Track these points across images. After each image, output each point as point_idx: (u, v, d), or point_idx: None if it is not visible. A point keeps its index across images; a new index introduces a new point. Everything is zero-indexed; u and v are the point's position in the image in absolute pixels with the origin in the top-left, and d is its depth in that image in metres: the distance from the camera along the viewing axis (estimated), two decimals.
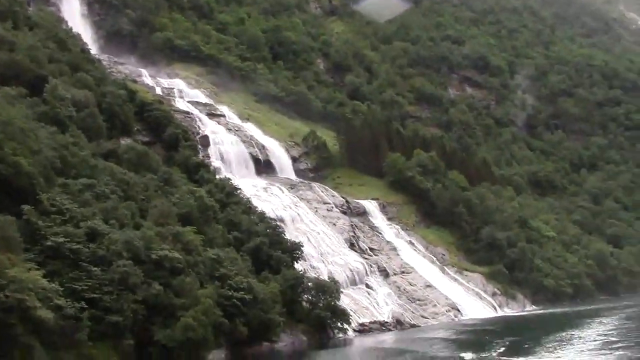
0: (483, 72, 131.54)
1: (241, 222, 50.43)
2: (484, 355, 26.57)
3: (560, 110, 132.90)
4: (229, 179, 60.34)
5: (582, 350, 23.99)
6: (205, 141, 71.85)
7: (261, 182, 71.00)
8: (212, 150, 71.49)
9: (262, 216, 54.54)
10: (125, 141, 56.15)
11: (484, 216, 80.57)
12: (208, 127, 74.89)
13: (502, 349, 28.75)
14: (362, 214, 73.66)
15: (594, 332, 33.08)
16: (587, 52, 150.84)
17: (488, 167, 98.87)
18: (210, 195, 50.66)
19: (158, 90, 77.66)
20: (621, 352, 23.40)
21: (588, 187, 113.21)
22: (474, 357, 26.11)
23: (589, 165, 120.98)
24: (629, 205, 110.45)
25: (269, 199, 64.39)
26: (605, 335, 30.89)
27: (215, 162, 68.36)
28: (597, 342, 28.27)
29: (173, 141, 61.21)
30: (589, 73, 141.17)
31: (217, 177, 60.27)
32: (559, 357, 24.06)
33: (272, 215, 57.86)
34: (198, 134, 72.02)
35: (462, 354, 27.23)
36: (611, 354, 23.41)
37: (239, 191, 57.11)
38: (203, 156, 67.25)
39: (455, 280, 68.39)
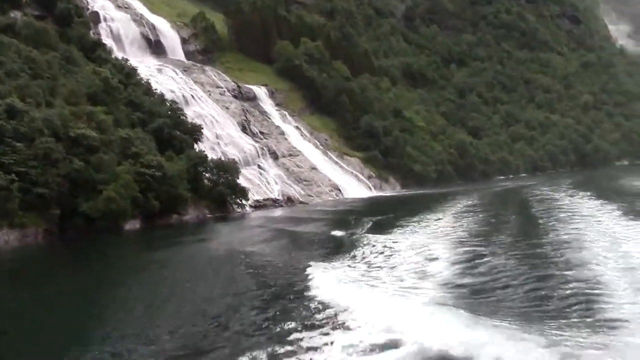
0: None
1: (143, 103, 52.25)
2: (352, 231, 28.29)
3: (436, 5, 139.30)
4: (127, 59, 60.82)
5: (437, 228, 27.20)
6: (95, 17, 70.56)
7: (154, 62, 71.60)
8: (102, 27, 70.54)
9: (161, 98, 56.44)
10: (15, 14, 54.89)
11: (363, 106, 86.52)
12: (97, 2, 73.16)
13: (369, 226, 31.07)
14: (253, 99, 76.87)
15: (450, 208, 37.20)
16: None
17: (369, 58, 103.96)
18: (111, 75, 51.63)
19: None
20: (466, 225, 27.20)
21: (455, 82, 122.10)
22: (343, 233, 27.82)
23: (458, 61, 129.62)
24: (489, 100, 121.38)
25: (163, 80, 65.65)
26: (458, 211, 34.83)
27: (106, 41, 67.73)
28: (451, 217, 31.83)
29: (65, 16, 60.11)
30: None
31: (113, 56, 60.60)
32: (416, 231, 26.35)
33: (167, 97, 59.67)
34: (87, 9, 70.39)
35: (334, 232, 29.22)
36: (459, 226, 27.14)
37: (137, 72, 58.18)
38: (94, 33, 66.45)
39: (337, 163, 74.58)
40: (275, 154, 67.72)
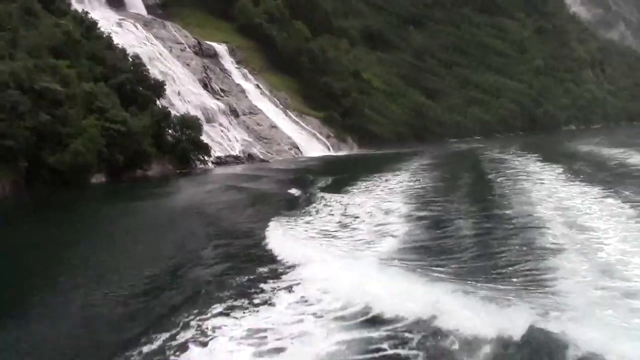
0: None
1: (105, 58, 52.15)
2: (310, 189, 28.88)
3: None
4: (87, 12, 60.12)
5: (392, 187, 27.97)
6: None
7: (113, 16, 70.80)
8: None
9: (123, 53, 56.33)
10: None
11: (323, 66, 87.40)
12: None
13: (326, 184, 31.81)
14: (213, 56, 76.85)
15: (406, 168, 38.42)
16: None
17: (328, 19, 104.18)
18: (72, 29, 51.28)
19: None
20: (421, 184, 28.43)
21: (413, 44, 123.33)
22: (301, 191, 28.39)
23: (416, 23, 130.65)
24: (446, 63, 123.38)
25: (124, 35, 65.17)
26: (414, 171, 36.02)
27: None
28: (406, 176, 32.98)
29: None
30: None
31: (72, 9, 59.82)
32: (372, 190, 27.04)
33: (129, 52, 59.40)
34: None
35: (292, 190, 29.69)
36: (414, 185, 28.36)
37: (97, 26, 57.71)
38: None
39: (296, 123, 75.76)
40: (235, 111, 68.43)
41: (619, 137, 66.96)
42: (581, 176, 26.14)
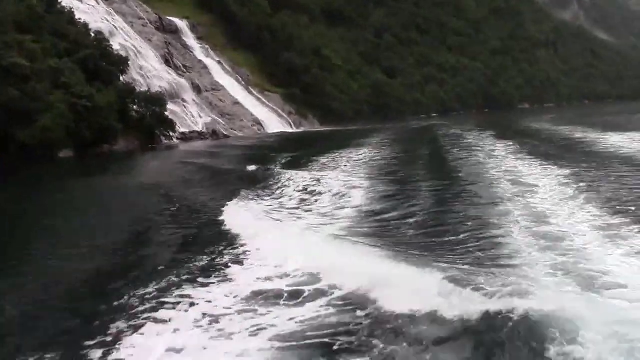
0: None
1: (68, 33, 52.07)
2: (271, 166, 29.34)
3: None
4: None
5: (352, 163, 28.67)
6: None
7: None
8: None
9: (85, 28, 56.22)
10: None
11: (284, 43, 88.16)
12: None
13: (288, 161, 32.32)
14: (175, 31, 76.91)
15: (366, 145, 39.53)
16: None
17: None
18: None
19: None
20: (380, 160, 29.24)
21: (373, 21, 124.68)
22: (262, 168, 28.80)
23: (375, 0, 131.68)
24: (404, 41, 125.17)
25: (85, 10, 64.80)
26: (373, 147, 37.23)
27: None
28: (366, 153, 33.89)
29: None
30: None
31: None
32: (332, 166, 27.56)
33: (92, 27, 59.27)
34: None
35: (253, 166, 29.96)
36: (373, 161, 29.21)
37: (59, 0, 57.36)
38: None
39: (258, 99, 76.63)
40: (198, 88, 68.97)
41: (569, 115, 70.07)
42: (530, 149, 28.29)
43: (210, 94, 70.08)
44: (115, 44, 60.21)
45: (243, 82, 77.89)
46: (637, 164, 22.17)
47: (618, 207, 14.04)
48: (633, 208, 13.92)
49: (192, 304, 9.46)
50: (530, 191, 17.10)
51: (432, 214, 15.31)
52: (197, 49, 77.68)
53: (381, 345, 7.68)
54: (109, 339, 8.36)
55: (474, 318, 7.81)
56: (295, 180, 22.91)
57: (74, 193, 25.58)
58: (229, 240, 13.61)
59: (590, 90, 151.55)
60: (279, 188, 21.35)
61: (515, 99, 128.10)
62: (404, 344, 7.59)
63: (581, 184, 17.52)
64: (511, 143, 32.01)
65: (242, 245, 12.92)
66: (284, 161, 31.92)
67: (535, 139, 36.14)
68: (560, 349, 6.63)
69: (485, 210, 15.01)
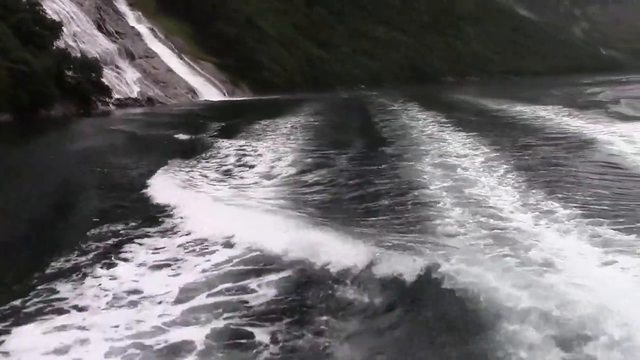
0: None
1: None
2: (203, 134, 29.59)
3: None
4: None
5: (284, 132, 28.99)
6: None
7: None
8: None
9: None
10: None
11: (218, 12, 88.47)
12: None
13: (220, 128, 32.46)
14: None
15: (298, 114, 40.34)
16: None
17: None
18: None
19: None
20: (311, 130, 29.66)
21: None
22: (194, 136, 29.03)
23: None
24: (336, 12, 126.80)
25: None
26: (306, 117, 38.13)
27: None
28: (298, 122, 34.47)
29: None
30: None
31: None
32: (264, 135, 27.87)
33: None
34: None
35: (185, 135, 30.02)
36: (305, 130, 29.69)
37: None
38: None
39: (192, 67, 77.24)
40: (132, 54, 69.12)
41: (489, 89, 74.08)
42: (452, 119, 31.08)
43: (143, 60, 70.31)
44: (48, 9, 59.68)
45: (176, 50, 78.22)
46: (534, 129, 25.50)
47: (533, 175, 14.76)
48: (544, 172, 15.20)
49: (111, 277, 9.10)
50: (448, 151, 19.22)
51: (359, 179, 15.69)
52: (130, 15, 77.47)
53: (304, 309, 7.67)
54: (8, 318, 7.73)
55: (400, 280, 7.82)
56: (225, 148, 23.18)
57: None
58: (153, 209, 13.37)
59: (514, 66, 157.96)
60: (208, 156, 21.43)
61: (442, 72, 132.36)
62: (331, 306, 7.57)
63: (490, 148, 19.55)
64: (433, 112, 34.99)
65: (165, 214, 12.66)
66: (215, 129, 32.12)
67: (454, 109, 39.28)
68: (481, 306, 6.73)
69: (410, 172, 15.70)
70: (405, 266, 7.96)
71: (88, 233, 11.49)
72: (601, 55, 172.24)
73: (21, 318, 7.69)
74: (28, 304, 8.12)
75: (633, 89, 55.40)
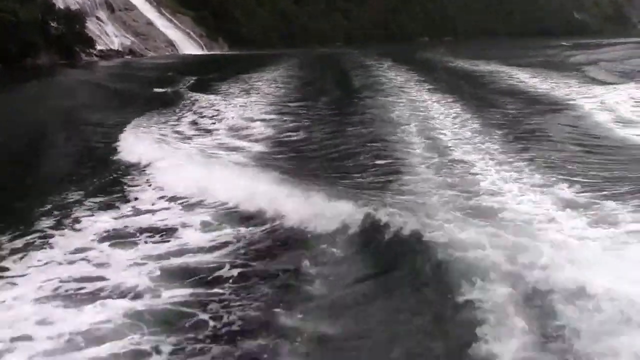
0: None
1: None
2: (178, 88, 29.74)
3: None
4: None
5: (260, 87, 28.94)
6: None
7: None
8: None
9: None
10: None
11: None
12: None
13: (193, 83, 32.19)
14: None
15: (274, 70, 41.31)
16: None
17: None
18: None
19: None
20: (288, 86, 30.12)
21: None
22: (169, 89, 29.24)
23: None
24: None
25: None
26: (281, 72, 38.94)
27: None
28: (273, 78, 34.55)
29: None
30: None
31: None
32: (240, 90, 27.91)
33: None
34: None
35: (160, 88, 29.95)
36: (281, 86, 30.15)
37: None
38: None
39: (170, 20, 78.16)
40: (112, 7, 69.95)
41: (460, 48, 76.52)
42: (421, 74, 33.71)
43: (123, 13, 71.24)
44: None
45: (155, 3, 78.96)
46: (508, 90, 27.38)
47: (509, 135, 15.00)
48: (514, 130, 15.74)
49: (77, 229, 8.94)
50: (422, 108, 20.08)
51: (334, 128, 16.40)
52: None
53: (275, 260, 7.75)
54: None
55: (377, 236, 7.84)
56: (201, 103, 23.08)
57: None
58: (123, 165, 13.04)
59: (490, 27, 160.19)
60: (184, 111, 21.17)
61: (417, 32, 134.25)
62: (303, 260, 7.49)
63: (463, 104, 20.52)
64: (405, 68, 37.65)
65: (135, 171, 12.38)
66: (192, 83, 32.07)
67: (425, 66, 41.93)
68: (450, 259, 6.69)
69: (383, 128, 16.30)
70: (376, 222, 8.04)
71: (54, 187, 11.26)
72: (574, 19, 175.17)
73: None
74: None
75: (608, 52, 58.62)
